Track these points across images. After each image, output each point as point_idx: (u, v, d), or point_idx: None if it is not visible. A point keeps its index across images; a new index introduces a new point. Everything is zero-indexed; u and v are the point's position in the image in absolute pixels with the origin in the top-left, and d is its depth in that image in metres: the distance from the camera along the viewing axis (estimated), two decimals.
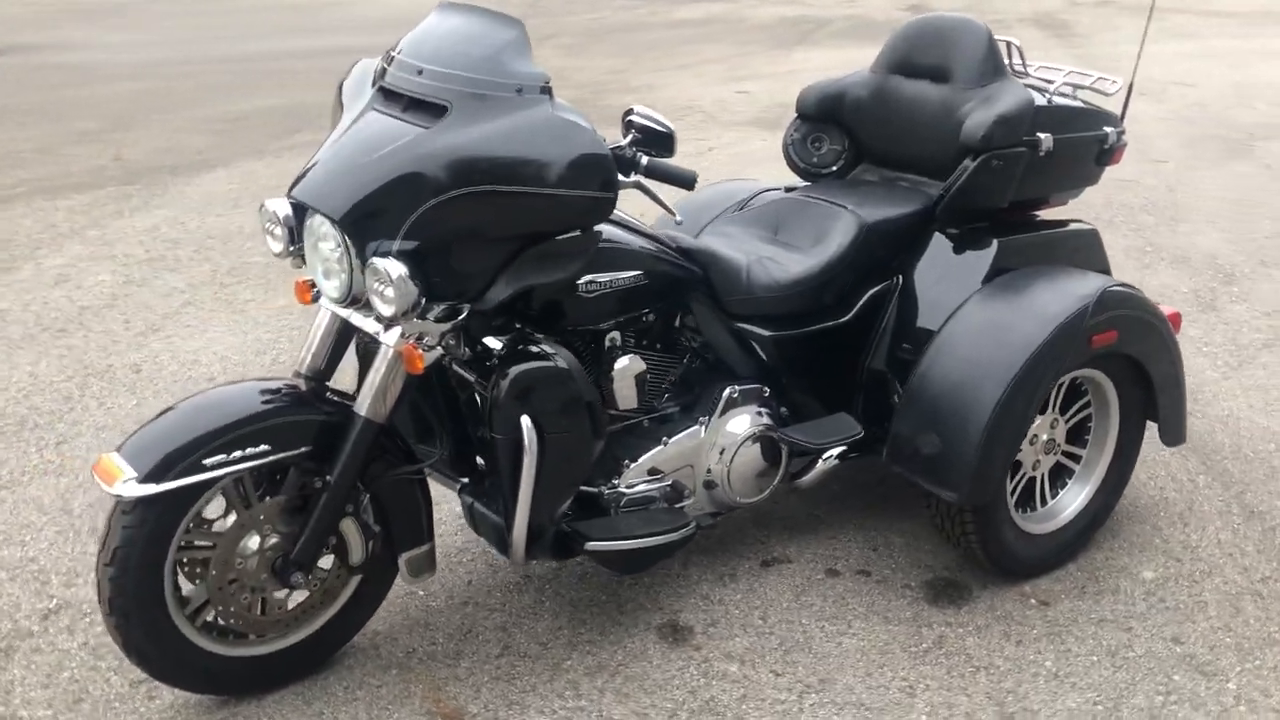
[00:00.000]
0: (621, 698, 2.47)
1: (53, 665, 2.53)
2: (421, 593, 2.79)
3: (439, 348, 2.33)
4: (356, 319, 2.32)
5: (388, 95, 2.28)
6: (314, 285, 2.43)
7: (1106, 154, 3.12)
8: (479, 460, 2.57)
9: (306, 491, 2.33)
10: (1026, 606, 2.79)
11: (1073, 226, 3.12)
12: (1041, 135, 2.89)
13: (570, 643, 2.64)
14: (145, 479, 2.13)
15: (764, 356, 2.80)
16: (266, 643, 2.43)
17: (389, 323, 2.21)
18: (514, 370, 2.29)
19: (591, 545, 2.48)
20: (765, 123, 8.02)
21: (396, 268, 2.09)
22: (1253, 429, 3.68)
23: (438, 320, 2.28)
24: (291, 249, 2.37)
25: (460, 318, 2.30)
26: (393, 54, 2.33)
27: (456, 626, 2.69)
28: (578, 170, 2.20)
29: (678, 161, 2.42)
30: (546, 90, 2.20)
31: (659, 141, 2.36)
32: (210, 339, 4.33)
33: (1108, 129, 3.10)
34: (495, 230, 2.23)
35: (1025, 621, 2.73)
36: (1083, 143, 3.05)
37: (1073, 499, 2.95)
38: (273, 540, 2.32)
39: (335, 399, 2.38)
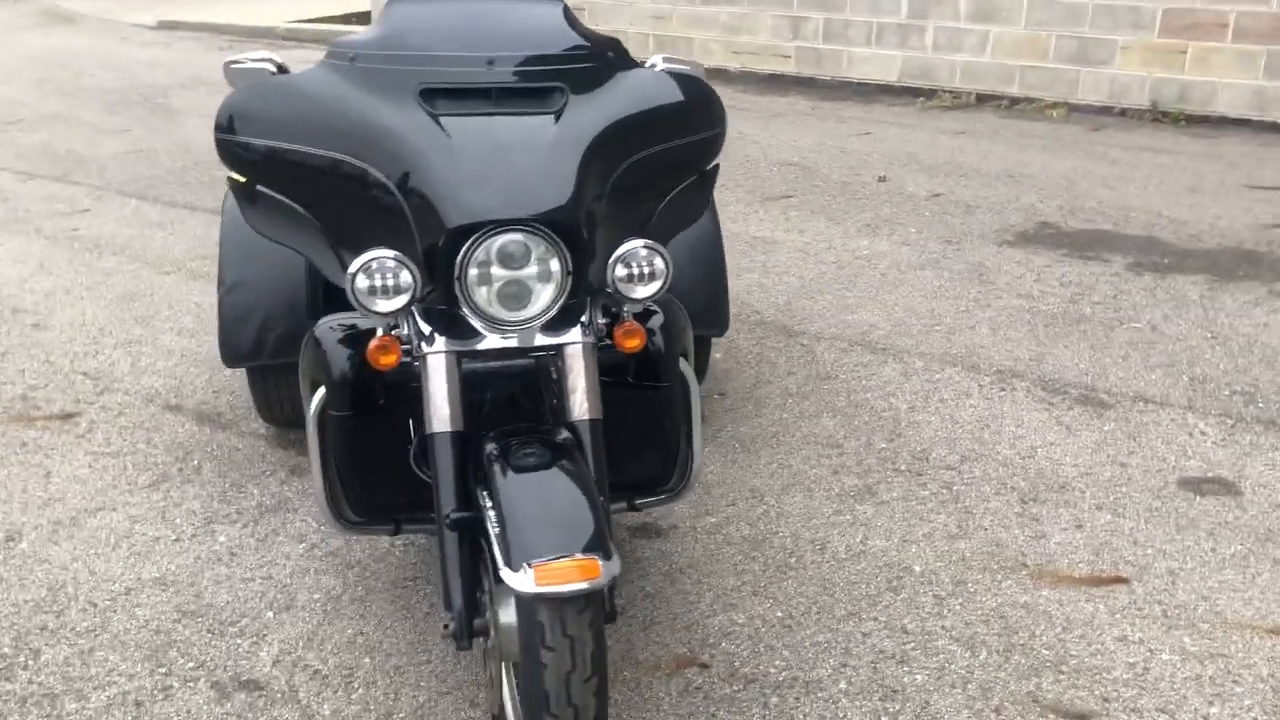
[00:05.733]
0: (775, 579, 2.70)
1: None
2: None
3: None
4: (528, 339, 2.06)
5: (447, 95, 2.08)
6: (404, 342, 2.04)
7: None
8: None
9: None
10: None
11: None
12: None
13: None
14: (607, 556, 1.80)
15: None
16: None
17: (644, 304, 2.05)
18: (656, 321, 2.24)
19: None
20: None
21: (649, 242, 1.99)
22: None
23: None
24: (420, 294, 1.98)
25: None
26: (394, 53, 2.14)
27: None
28: (706, 112, 2.31)
29: None
30: (624, 49, 2.27)
31: None
32: None
33: None
34: (650, 190, 2.22)
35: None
36: None
37: None
38: None
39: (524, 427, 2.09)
